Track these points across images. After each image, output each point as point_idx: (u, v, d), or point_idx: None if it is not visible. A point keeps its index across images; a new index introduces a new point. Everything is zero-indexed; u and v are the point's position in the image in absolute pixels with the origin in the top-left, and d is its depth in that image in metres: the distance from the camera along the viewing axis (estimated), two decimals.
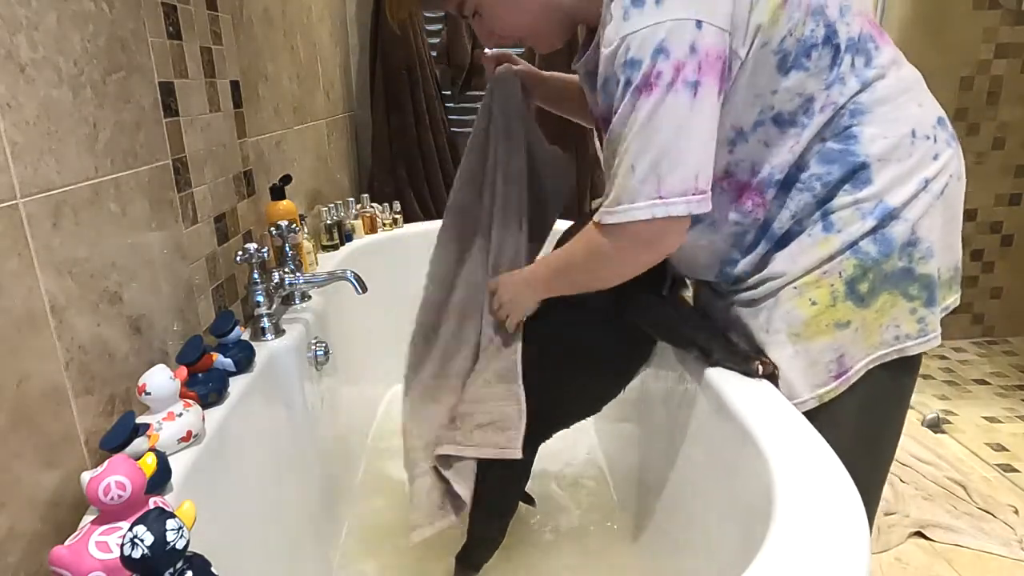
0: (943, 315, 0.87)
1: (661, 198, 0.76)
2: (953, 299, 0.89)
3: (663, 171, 0.75)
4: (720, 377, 0.90)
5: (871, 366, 0.85)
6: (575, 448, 1.61)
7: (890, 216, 0.82)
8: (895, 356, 0.84)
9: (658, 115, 0.74)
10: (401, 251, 1.95)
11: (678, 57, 0.72)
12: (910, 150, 0.82)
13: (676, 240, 0.81)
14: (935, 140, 0.84)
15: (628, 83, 0.75)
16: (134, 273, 0.87)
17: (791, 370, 0.87)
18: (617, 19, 0.76)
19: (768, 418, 0.80)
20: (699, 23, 0.72)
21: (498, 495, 1.09)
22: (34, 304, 0.67)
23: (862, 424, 0.87)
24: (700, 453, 0.95)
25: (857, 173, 0.82)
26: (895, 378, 0.87)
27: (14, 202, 0.65)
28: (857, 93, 0.81)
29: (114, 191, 0.83)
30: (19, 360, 0.64)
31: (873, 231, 0.82)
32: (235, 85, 1.26)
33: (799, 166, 0.84)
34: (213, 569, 0.62)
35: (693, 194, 0.76)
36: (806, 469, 0.70)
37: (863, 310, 0.83)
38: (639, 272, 0.86)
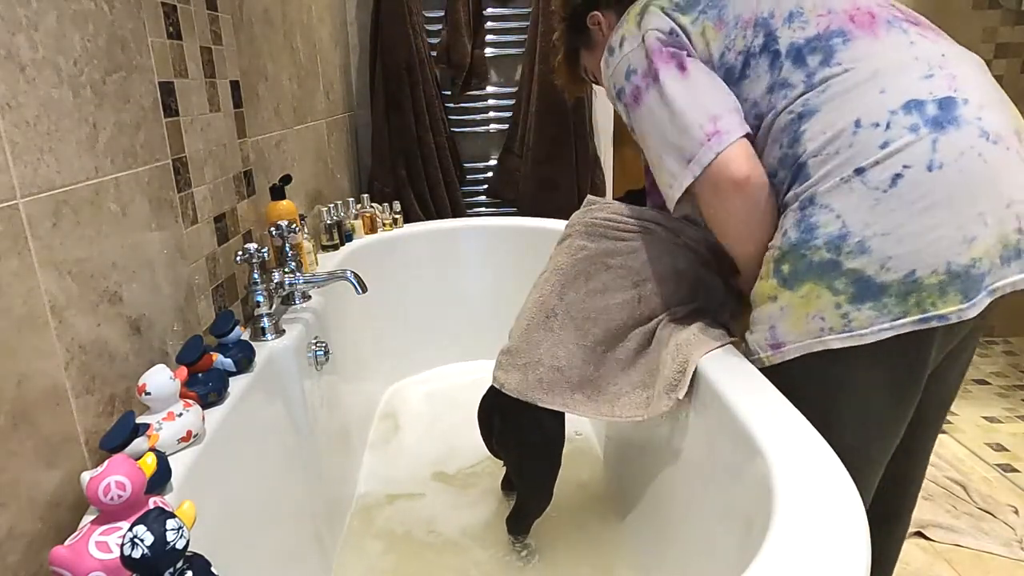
0: (940, 324, 0.80)
1: (689, 162, 0.89)
2: (954, 308, 0.79)
3: (678, 144, 0.90)
4: (720, 375, 0.90)
5: (801, 353, 0.88)
6: (573, 446, 1.61)
7: (814, 206, 0.84)
8: (819, 348, 0.86)
9: (651, 115, 0.93)
10: (401, 251, 1.95)
11: (642, 69, 0.93)
12: (850, 140, 0.81)
13: (737, 170, 0.87)
14: (887, 127, 0.80)
15: (625, 106, 0.98)
16: (134, 273, 0.87)
17: (750, 329, 0.95)
18: (603, 69, 1.02)
19: (768, 417, 0.80)
20: (642, 40, 0.93)
21: (538, 463, 1.20)
22: (34, 304, 0.67)
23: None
24: (699, 452, 0.95)
25: (800, 172, 0.86)
26: (823, 368, 0.86)
27: (14, 202, 0.65)
28: (803, 94, 0.85)
29: (114, 191, 0.83)
30: (19, 360, 0.64)
31: (800, 220, 0.85)
32: (235, 85, 1.26)
33: (771, 171, 0.89)
34: (213, 569, 0.62)
35: (708, 139, 0.87)
36: (806, 468, 0.70)
37: (787, 291, 0.87)
38: (752, 218, 0.91)
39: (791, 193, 0.87)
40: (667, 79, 0.90)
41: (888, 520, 1.02)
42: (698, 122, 0.88)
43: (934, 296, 0.79)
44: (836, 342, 0.84)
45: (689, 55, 0.91)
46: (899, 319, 0.80)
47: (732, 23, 0.90)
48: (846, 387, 0.87)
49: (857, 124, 0.81)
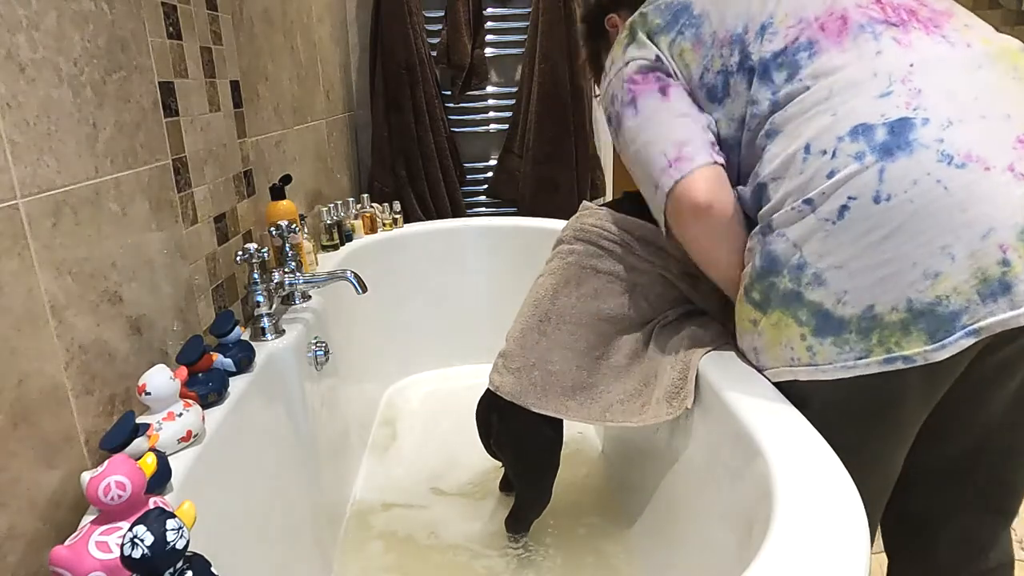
0: (907, 366, 0.73)
1: (657, 187, 0.90)
2: (919, 349, 0.72)
3: (647, 169, 0.91)
4: (719, 376, 0.90)
5: (778, 380, 0.85)
6: (573, 446, 1.61)
7: (773, 232, 0.81)
8: (789, 378, 0.83)
9: (630, 142, 0.94)
10: (401, 251, 1.95)
11: (621, 97, 0.94)
12: (801, 167, 0.78)
13: (695, 198, 0.86)
14: (833, 155, 0.75)
15: (613, 131, 1.00)
16: (134, 273, 0.87)
17: (741, 350, 0.94)
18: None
19: (768, 418, 0.80)
20: (625, 65, 0.94)
21: (536, 464, 1.20)
22: (34, 304, 0.67)
23: None
24: (699, 452, 0.95)
25: (762, 194, 0.84)
26: (794, 395, 0.83)
27: (14, 202, 0.65)
28: (770, 114, 0.83)
29: (114, 191, 0.83)
30: (19, 360, 0.64)
31: (762, 245, 0.83)
32: (235, 85, 1.26)
33: (743, 193, 0.89)
34: (213, 569, 0.62)
35: (669, 166, 0.88)
36: (806, 469, 0.70)
37: (762, 316, 0.84)
38: (716, 245, 0.91)
39: (759, 214, 0.85)
40: (646, 102, 0.91)
41: (984, 550, 0.93)
42: (663, 149, 0.88)
43: (897, 335, 0.73)
44: (803, 374, 0.81)
45: (672, 81, 0.91)
46: (863, 358, 0.75)
47: (709, 43, 0.88)
48: (810, 413, 0.82)
49: (807, 150, 0.78)
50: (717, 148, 0.89)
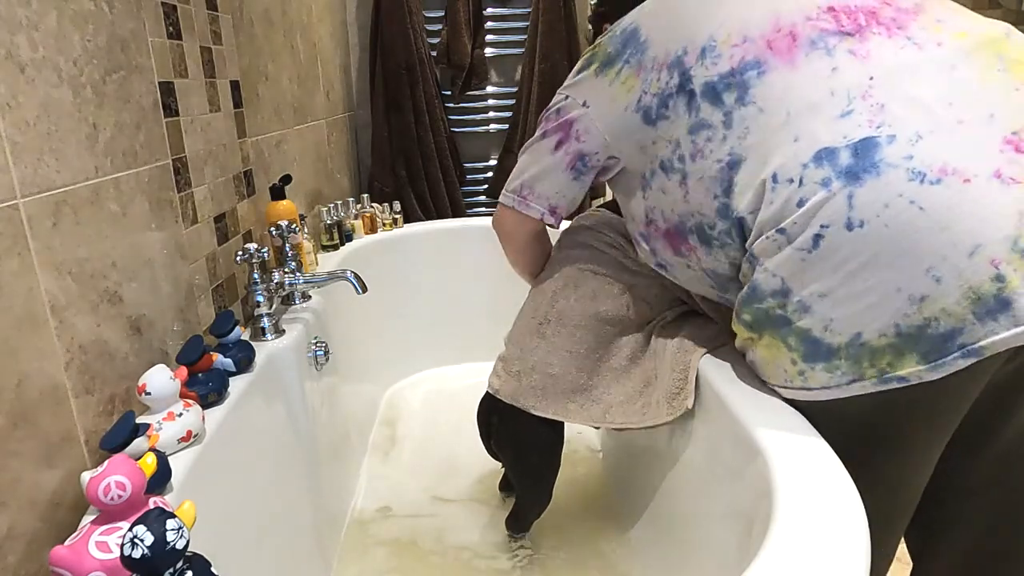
0: (902, 385, 0.71)
1: (505, 192, 1.08)
2: (912, 370, 0.70)
3: (511, 178, 1.07)
4: (718, 376, 0.90)
5: (781, 394, 0.84)
6: (572, 446, 1.61)
7: (755, 259, 0.79)
8: (789, 395, 0.81)
9: (535, 135, 1.04)
10: (401, 251, 1.95)
11: (549, 116, 1.02)
12: (771, 196, 0.75)
13: (510, 225, 1.11)
14: (800, 182, 0.72)
15: (539, 120, 1.07)
16: (134, 273, 0.87)
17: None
18: None
19: (768, 418, 0.80)
20: (566, 96, 1.00)
21: (537, 464, 1.19)
22: (34, 304, 0.67)
23: None
24: (699, 452, 0.95)
25: (741, 226, 0.81)
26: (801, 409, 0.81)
27: (14, 202, 0.65)
28: (725, 139, 0.80)
29: (114, 191, 0.83)
30: (19, 360, 0.64)
31: (751, 273, 0.81)
32: (235, 85, 1.26)
33: (709, 224, 0.85)
34: (213, 569, 0.62)
35: (516, 195, 1.06)
36: (806, 468, 0.70)
37: (755, 335, 0.83)
38: (512, 251, 1.18)
39: (746, 245, 0.82)
40: (545, 142, 1.01)
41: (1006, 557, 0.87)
42: (521, 180, 1.04)
43: (889, 357, 0.71)
44: (799, 395, 0.80)
45: (576, 138, 0.97)
46: (856, 380, 0.73)
47: (649, 67, 0.88)
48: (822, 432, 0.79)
49: (775, 179, 0.75)
50: (556, 213, 1.04)
